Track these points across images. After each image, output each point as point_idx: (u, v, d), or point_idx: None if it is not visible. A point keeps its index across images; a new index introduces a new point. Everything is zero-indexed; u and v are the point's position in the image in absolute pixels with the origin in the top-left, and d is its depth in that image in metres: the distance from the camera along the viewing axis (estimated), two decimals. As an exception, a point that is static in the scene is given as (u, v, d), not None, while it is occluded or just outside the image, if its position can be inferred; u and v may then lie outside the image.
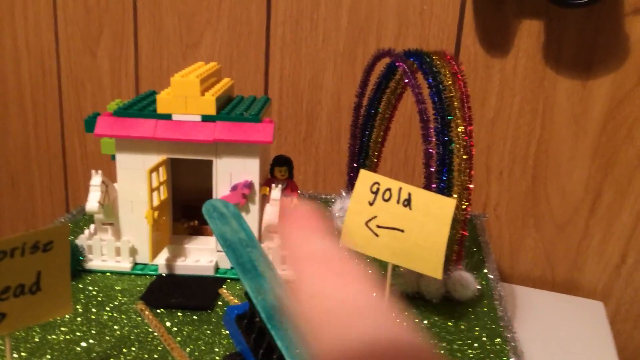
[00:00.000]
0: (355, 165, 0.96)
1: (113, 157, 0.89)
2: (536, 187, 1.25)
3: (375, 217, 0.68)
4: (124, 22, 1.36)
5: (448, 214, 0.63)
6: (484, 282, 0.81)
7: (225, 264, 0.80)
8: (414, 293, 0.76)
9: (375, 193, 0.68)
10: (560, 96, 1.20)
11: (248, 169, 0.76)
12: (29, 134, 1.50)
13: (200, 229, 0.85)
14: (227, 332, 0.67)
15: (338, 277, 0.22)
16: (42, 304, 0.53)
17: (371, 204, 0.69)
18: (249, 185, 0.76)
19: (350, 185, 0.98)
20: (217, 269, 0.80)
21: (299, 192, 0.83)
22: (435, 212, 0.64)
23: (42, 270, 0.52)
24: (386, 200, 0.68)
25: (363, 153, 0.96)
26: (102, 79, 1.44)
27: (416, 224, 0.65)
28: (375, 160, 0.97)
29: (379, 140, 0.96)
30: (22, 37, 1.42)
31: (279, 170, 0.81)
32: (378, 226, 0.68)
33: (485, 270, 0.84)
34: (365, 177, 0.69)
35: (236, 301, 0.73)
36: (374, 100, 0.92)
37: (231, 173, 0.77)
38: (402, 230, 0.66)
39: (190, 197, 0.89)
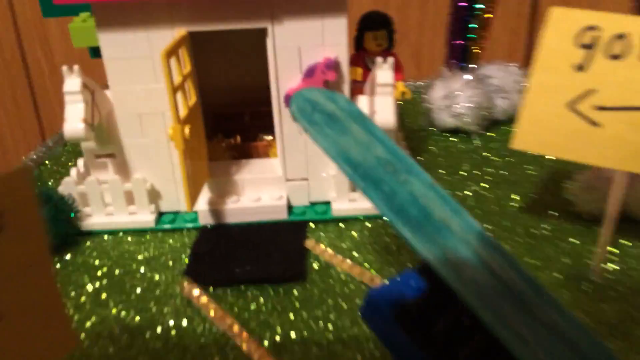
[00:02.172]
0: (460, 28, 0.64)
1: (93, 54, 0.57)
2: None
3: (593, 91, 0.38)
4: None
5: None
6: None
7: (301, 198, 0.50)
8: (601, 213, 0.47)
9: (589, 47, 0.37)
10: None
11: (330, 38, 0.45)
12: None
13: (247, 147, 0.54)
14: (353, 319, 0.38)
15: None
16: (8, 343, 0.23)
17: (581, 68, 0.38)
18: (334, 65, 0.45)
19: (455, 58, 0.66)
20: (289, 208, 0.50)
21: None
22: None
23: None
24: (616, 58, 0.37)
25: (469, 8, 0.64)
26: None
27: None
28: (486, 16, 0.65)
29: (493, -15, 0.63)
30: None
31: (374, 36, 0.49)
32: (600, 107, 0.38)
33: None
34: (565, 20, 0.38)
35: (343, 262, 0.44)
36: None
37: (300, 47, 0.45)
38: (655, 110, 0.36)
39: (224, 101, 0.58)
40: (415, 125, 0.68)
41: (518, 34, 1.05)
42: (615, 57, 0.37)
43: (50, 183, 0.57)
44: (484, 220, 0.49)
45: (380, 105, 0.45)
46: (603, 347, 0.25)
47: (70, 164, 0.60)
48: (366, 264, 0.44)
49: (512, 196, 0.52)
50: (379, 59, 0.45)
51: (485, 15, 0.65)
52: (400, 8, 1.00)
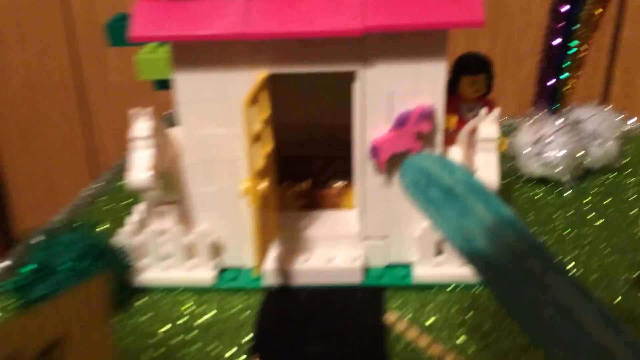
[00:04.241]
0: (553, 66, 0.58)
1: (159, 85, 0.52)
2: None
3: None
4: None
5: None
6: None
7: (379, 258, 0.45)
8: None
9: None
10: None
11: (425, 84, 0.39)
12: (32, 68, 1.13)
13: (315, 195, 0.49)
14: None
15: None
16: None
17: None
18: (429, 114, 0.39)
19: (544, 97, 0.59)
20: (366, 270, 0.45)
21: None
22: None
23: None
24: None
25: (564, 46, 0.57)
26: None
27: None
28: (581, 56, 0.58)
29: (593, 20, 0.57)
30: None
31: (472, 81, 0.43)
32: None
33: None
34: None
35: (426, 340, 0.38)
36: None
37: (393, 93, 0.40)
38: None
39: (293, 143, 0.53)
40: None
41: (597, 68, 0.98)
42: None
43: (102, 225, 0.53)
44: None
45: (483, 163, 0.39)
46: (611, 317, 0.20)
47: (125, 207, 0.56)
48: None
49: (620, 264, 0.45)
50: (483, 111, 0.39)
51: (580, 55, 0.59)
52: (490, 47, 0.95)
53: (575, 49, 0.58)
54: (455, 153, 0.42)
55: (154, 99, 0.51)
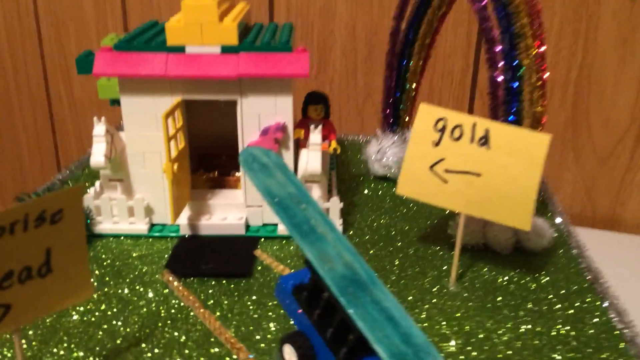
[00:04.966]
0: (391, 100, 0.84)
1: (112, 102, 0.76)
2: (577, 117, 1.14)
3: (443, 160, 0.57)
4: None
5: (541, 153, 0.52)
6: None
7: (256, 220, 0.69)
8: (478, 245, 0.66)
9: (441, 131, 0.57)
10: (605, 15, 1.07)
11: (280, 109, 0.64)
12: (8, 82, 1.35)
13: (221, 180, 0.73)
14: (276, 303, 0.56)
15: None
16: (55, 288, 0.42)
17: (436, 144, 0.57)
18: (282, 128, 0.64)
19: (387, 123, 0.86)
20: (247, 226, 0.69)
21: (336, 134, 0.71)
22: (523, 151, 0.53)
23: (52, 246, 0.41)
24: (456, 139, 0.56)
25: (400, 86, 0.84)
26: (84, 16, 1.28)
27: (497, 166, 0.54)
28: (413, 94, 0.85)
29: (418, 70, 0.83)
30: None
31: (314, 108, 0.68)
32: (447, 170, 0.57)
33: (551, 214, 0.74)
34: (427, 113, 0.58)
35: (278, 266, 0.62)
36: (414, 24, 0.79)
37: (260, 115, 0.65)
38: (478, 175, 0.55)
39: (208, 144, 0.77)
40: (357, 171, 0.87)
41: (462, 102, 1.26)
42: (456, 138, 0.56)
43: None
44: (388, 243, 0.67)
45: (311, 157, 0.64)
46: (410, 320, 0.43)
47: (87, 184, 0.79)
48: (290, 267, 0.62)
49: (409, 227, 0.71)
50: (312, 126, 0.65)
51: (413, 93, 0.86)
52: (368, 74, 1.21)
53: (407, 88, 0.85)
54: (303, 152, 0.67)
55: (110, 111, 0.75)
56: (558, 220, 0.72)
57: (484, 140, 0.55)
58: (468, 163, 0.56)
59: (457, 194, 0.57)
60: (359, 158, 0.88)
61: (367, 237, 0.69)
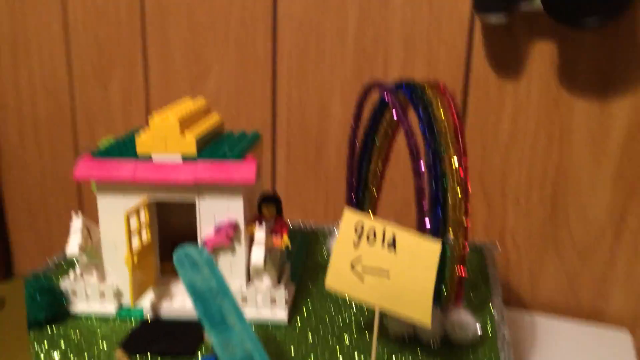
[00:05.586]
0: (353, 200, 0.92)
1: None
2: (556, 213, 1.18)
3: (360, 259, 0.64)
4: (134, 56, 1.36)
5: (433, 259, 0.58)
6: (488, 323, 0.75)
7: (213, 306, 0.77)
8: (409, 335, 0.71)
9: (360, 234, 0.64)
10: (577, 119, 1.13)
11: (232, 209, 0.74)
12: (45, 168, 1.52)
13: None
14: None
15: None
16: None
17: (356, 245, 0.65)
18: (234, 225, 0.73)
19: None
20: (204, 312, 0.77)
21: (289, 228, 0.79)
22: (420, 256, 0.59)
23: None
24: (371, 242, 0.63)
25: (362, 187, 0.92)
26: (113, 111, 1.45)
27: (402, 267, 0.61)
28: (375, 194, 0.93)
29: (378, 173, 0.92)
30: (38, 75, 1.45)
31: (266, 207, 0.77)
32: (363, 269, 0.64)
33: (492, 309, 0.78)
34: (350, 217, 0.65)
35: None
36: (370, 132, 0.89)
37: (215, 214, 0.74)
38: (387, 274, 0.62)
39: (182, 234, 0.87)
40: (322, 261, 0.94)
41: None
42: (370, 241, 0.63)
43: (56, 281, 0.86)
44: (327, 331, 0.73)
45: (255, 253, 0.73)
46: None
47: (69, 269, 0.89)
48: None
49: (353, 317, 0.77)
50: (257, 224, 0.74)
51: (374, 187, 0.93)
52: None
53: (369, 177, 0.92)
54: (254, 249, 0.76)
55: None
56: (496, 315, 0.76)
57: (392, 244, 0.62)
58: (380, 263, 0.63)
59: (372, 290, 0.63)
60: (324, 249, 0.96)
61: (313, 324, 0.75)
